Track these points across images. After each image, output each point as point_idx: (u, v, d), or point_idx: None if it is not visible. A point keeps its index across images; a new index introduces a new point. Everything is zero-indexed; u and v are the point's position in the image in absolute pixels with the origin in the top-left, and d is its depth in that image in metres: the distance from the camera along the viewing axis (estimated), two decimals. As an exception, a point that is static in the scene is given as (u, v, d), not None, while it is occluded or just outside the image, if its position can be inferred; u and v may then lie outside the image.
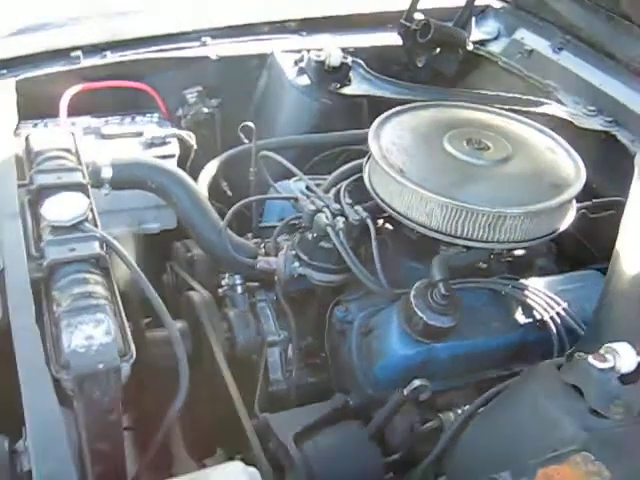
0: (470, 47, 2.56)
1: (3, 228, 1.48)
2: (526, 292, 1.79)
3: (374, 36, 2.59)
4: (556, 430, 1.30)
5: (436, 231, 1.69)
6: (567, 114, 2.19)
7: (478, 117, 2.01)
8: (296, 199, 1.89)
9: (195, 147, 2.21)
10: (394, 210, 1.75)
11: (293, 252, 1.82)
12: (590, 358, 1.34)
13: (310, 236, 1.78)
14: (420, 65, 2.57)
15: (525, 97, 2.30)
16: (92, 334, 1.26)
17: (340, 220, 1.74)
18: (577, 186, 1.76)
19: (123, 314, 1.34)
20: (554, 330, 1.72)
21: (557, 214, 1.75)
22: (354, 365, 1.73)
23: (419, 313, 1.60)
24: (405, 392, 1.55)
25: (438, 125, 1.93)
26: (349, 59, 2.36)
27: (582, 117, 2.18)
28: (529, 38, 2.54)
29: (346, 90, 2.36)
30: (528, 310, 1.77)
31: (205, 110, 2.33)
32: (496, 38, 2.68)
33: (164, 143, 2.15)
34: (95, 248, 1.42)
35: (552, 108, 2.24)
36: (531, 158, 1.85)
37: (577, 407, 1.31)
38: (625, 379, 1.33)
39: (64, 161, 1.69)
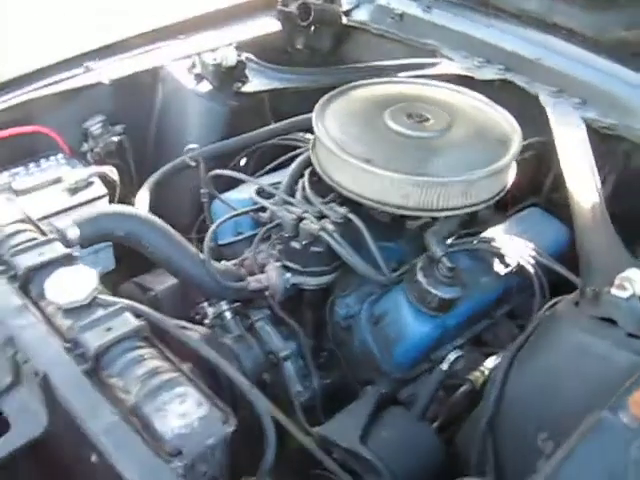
0: (344, 20, 2.62)
1: (13, 326, 1.33)
2: (495, 244, 1.93)
3: (249, 26, 2.55)
4: (608, 361, 1.45)
5: (415, 209, 1.76)
6: (463, 69, 2.33)
7: (404, 90, 2.09)
8: (260, 210, 1.87)
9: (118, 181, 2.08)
10: (368, 199, 1.78)
11: (279, 264, 1.81)
12: (613, 290, 1.50)
13: (298, 244, 1.77)
14: (300, 47, 2.59)
15: (418, 60, 2.40)
16: (184, 411, 1.19)
17: (327, 222, 1.75)
18: (517, 137, 1.90)
19: (194, 377, 1.28)
20: (532, 271, 1.87)
21: (510, 167, 1.89)
22: (374, 355, 1.78)
23: (433, 290, 1.68)
24: (445, 367, 1.63)
25: (374, 105, 1.98)
26: (243, 56, 2.31)
27: (476, 69, 2.32)
28: (395, 2, 2.63)
29: (249, 88, 2.32)
30: (504, 260, 1.91)
31: (114, 139, 2.17)
32: (357, 6, 2.74)
33: (89, 184, 1.99)
34: (131, 320, 1.33)
35: (447, 66, 2.36)
36: (468, 121, 1.96)
37: (617, 336, 1.47)
38: (643, 299, 1.51)
39: (29, 234, 1.54)
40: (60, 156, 2.10)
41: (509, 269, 1.89)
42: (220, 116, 2.28)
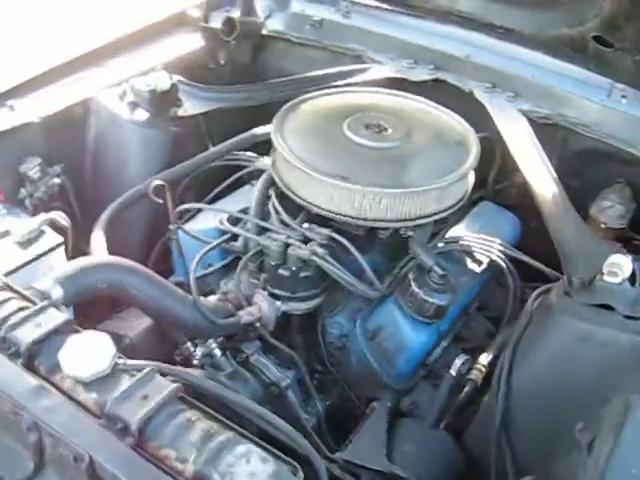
0: (265, 32, 2.58)
1: (36, 409, 1.21)
2: (463, 243, 1.99)
3: (168, 46, 2.44)
4: (612, 345, 1.54)
5: (394, 220, 1.77)
6: (395, 72, 2.36)
7: (355, 100, 2.09)
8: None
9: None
10: (346, 215, 1.77)
11: (266, 293, 1.77)
12: (605, 277, 1.59)
13: (287, 271, 1.74)
14: (222, 62, 2.53)
15: (349, 67, 2.40)
16: (252, 470, 1.14)
17: (314, 245, 1.73)
18: (473, 137, 1.96)
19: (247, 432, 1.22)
20: (503, 264, 1.95)
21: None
22: (374, 370, 1.78)
23: (430, 299, 1.71)
24: (454, 373, 1.67)
25: (330, 118, 1.99)
26: (174, 78, 2.22)
27: (408, 71, 2.36)
28: (311, 9, 2.62)
29: (185, 111, 2.23)
30: (475, 257, 1.97)
31: (56, 181, 2.02)
32: (270, 16, 2.70)
33: (40, 234, 1.84)
34: (165, 384, 1.25)
35: (379, 70, 2.38)
36: (423, 126, 2.00)
37: (616, 320, 1.56)
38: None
39: (15, 302, 1.40)
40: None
41: (483, 266, 1.95)
42: (161, 144, 2.17)
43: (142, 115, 2.16)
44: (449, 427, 1.76)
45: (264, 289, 1.78)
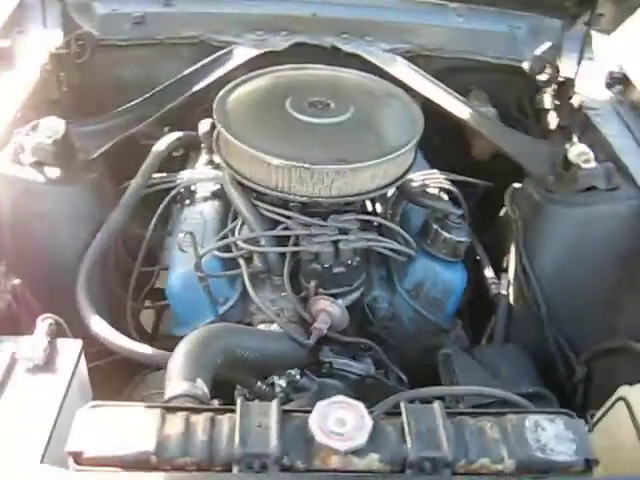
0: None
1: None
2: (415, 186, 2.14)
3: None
4: (611, 217, 1.90)
5: (392, 183, 1.85)
6: (259, 48, 2.30)
7: (289, 79, 2.06)
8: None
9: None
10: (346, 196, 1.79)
11: (326, 297, 1.74)
12: (582, 165, 1.91)
13: (342, 267, 1.74)
14: (66, 89, 2.21)
15: (214, 56, 2.26)
16: (553, 433, 1.24)
17: (356, 231, 1.74)
18: (405, 95, 2.04)
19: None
20: (454, 189, 2.16)
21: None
22: (429, 321, 1.91)
23: (460, 239, 1.87)
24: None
25: (272, 101, 1.94)
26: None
27: (268, 43, 2.32)
28: (123, 6, 2.37)
29: (90, 152, 1.93)
30: (432, 192, 2.15)
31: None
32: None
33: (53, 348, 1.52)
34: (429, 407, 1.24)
35: (245, 51, 2.28)
36: (363, 97, 2.01)
37: (604, 196, 1.89)
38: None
39: (199, 415, 1.22)
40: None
41: (444, 197, 2.14)
42: (86, 195, 1.89)
43: (54, 173, 1.82)
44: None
45: (318, 294, 1.75)
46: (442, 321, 1.93)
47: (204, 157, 2.18)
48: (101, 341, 1.69)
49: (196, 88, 2.15)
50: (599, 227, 1.90)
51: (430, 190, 2.13)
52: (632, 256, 1.86)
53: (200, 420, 1.21)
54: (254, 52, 2.28)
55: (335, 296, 1.76)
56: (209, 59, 2.25)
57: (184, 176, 2.09)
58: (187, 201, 2.05)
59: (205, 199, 2.04)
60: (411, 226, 1.97)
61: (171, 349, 1.80)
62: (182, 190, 2.05)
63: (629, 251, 1.87)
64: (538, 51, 2.32)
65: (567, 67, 2.27)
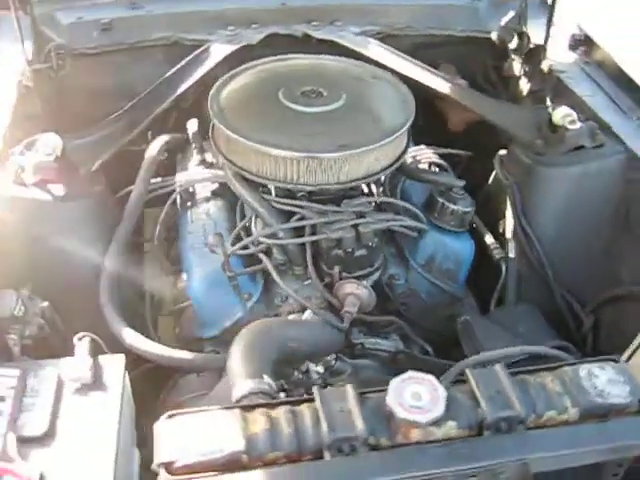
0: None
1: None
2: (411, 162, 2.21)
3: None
4: (604, 172, 2.00)
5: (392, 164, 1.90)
6: (234, 43, 2.29)
7: (278, 71, 2.08)
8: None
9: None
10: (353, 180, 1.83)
11: (353, 280, 1.78)
12: (569, 126, 2.00)
13: (364, 249, 1.78)
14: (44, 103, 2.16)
15: (191, 57, 2.25)
16: (607, 379, 1.32)
17: (373, 214, 1.79)
18: (393, 78, 2.09)
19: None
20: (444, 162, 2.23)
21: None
22: (444, 292, 1.98)
23: (466, 209, 1.94)
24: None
25: (266, 93, 1.96)
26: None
27: (242, 38, 2.31)
28: (86, 14, 2.32)
29: (87, 164, 1.92)
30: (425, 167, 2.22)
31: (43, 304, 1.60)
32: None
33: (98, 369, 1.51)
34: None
35: (223, 47, 2.26)
36: (352, 83, 2.05)
37: (592, 154, 1.99)
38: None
39: (280, 409, 1.25)
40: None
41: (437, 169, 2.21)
42: (95, 208, 1.88)
43: (60, 190, 1.79)
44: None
45: (341, 279, 1.79)
46: (456, 290, 2.00)
47: (196, 157, 2.17)
48: (137, 352, 1.68)
49: (180, 90, 2.14)
50: (591, 183, 2.00)
51: (422, 165, 2.20)
52: (624, 206, 1.97)
53: (281, 413, 1.24)
54: (230, 48, 2.27)
55: (358, 278, 1.81)
56: (187, 59, 2.23)
57: (181, 179, 2.08)
58: (188, 203, 2.05)
59: (207, 199, 2.04)
60: (412, 202, 2.02)
61: (200, 351, 1.83)
62: (181, 193, 2.05)
63: (621, 202, 1.98)
64: (503, 21, 2.40)
65: (533, 33, 2.36)
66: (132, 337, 1.69)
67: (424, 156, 2.20)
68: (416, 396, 1.24)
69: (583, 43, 2.37)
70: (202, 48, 2.27)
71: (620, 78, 2.20)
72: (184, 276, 1.96)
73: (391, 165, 1.89)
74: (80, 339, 1.56)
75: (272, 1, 2.42)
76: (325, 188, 1.81)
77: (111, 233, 1.88)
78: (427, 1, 2.53)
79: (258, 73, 2.09)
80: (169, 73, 2.19)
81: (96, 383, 1.48)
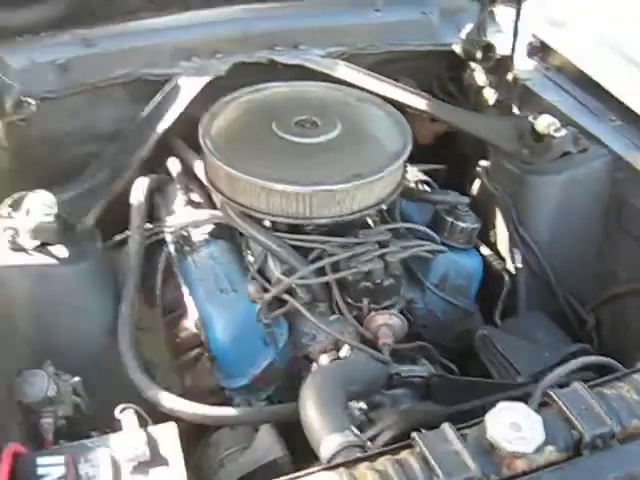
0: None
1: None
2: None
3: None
4: (590, 177, 2.08)
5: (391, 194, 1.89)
6: (203, 76, 2.20)
7: (261, 104, 2.03)
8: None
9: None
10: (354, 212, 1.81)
11: (383, 311, 1.76)
12: (555, 134, 2.06)
13: (392, 279, 1.77)
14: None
15: (162, 93, 2.15)
16: None
17: (396, 242, 1.78)
18: (388, 107, 2.08)
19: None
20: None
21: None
22: (459, 309, 2.00)
23: (473, 226, 1.97)
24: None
25: (257, 131, 1.93)
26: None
27: (212, 69, 2.22)
28: (38, 56, 2.15)
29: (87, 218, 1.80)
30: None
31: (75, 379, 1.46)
32: None
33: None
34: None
35: (194, 80, 2.16)
36: (341, 108, 2.04)
37: (578, 159, 2.07)
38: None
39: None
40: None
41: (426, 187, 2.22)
42: (107, 265, 1.75)
43: (62, 251, 1.66)
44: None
45: (373, 310, 1.75)
46: (469, 306, 2.02)
47: (181, 198, 2.07)
48: (180, 416, 1.58)
49: (160, 130, 2.03)
50: (580, 187, 2.08)
51: (412, 185, 2.20)
52: (615, 206, 2.06)
53: (387, 465, 1.19)
54: (202, 81, 2.18)
55: (386, 308, 1.78)
56: (159, 97, 2.13)
57: (175, 222, 1.97)
58: (187, 248, 1.95)
59: (207, 242, 1.95)
60: (416, 223, 2.02)
61: (221, 403, 1.75)
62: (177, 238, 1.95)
63: (611, 202, 2.07)
64: (463, 33, 2.44)
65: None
66: (171, 400, 1.59)
67: (411, 175, 2.20)
68: (515, 426, 1.23)
69: (540, 50, 2.45)
70: (172, 84, 2.17)
71: (582, 82, 2.29)
72: (187, 324, 1.88)
73: (396, 189, 1.89)
74: (122, 411, 1.45)
75: (232, 29, 2.34)
76: (339, 220, 1.78)
77: (116, 287, 1.77)
78: (382, 18, 2.53)
79: (242, 106, 2.03)
80: (145, 113, 2.08)
81: (154, 459, 1.39)
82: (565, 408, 1.28)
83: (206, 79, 2.18)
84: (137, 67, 2.22)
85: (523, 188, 2.09)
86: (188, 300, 1.87)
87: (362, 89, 2.21)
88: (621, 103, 2.15)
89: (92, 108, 2.20)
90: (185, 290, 1.87)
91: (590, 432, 1.24)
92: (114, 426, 1.60)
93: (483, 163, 2.23)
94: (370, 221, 1.94)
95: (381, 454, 1.23)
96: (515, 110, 2.39)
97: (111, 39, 2.24)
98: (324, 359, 1.70)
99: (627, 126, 2.12)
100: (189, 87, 2.16)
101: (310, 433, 1.36)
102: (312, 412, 1.38)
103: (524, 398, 1.64)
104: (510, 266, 2.10)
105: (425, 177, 2.21)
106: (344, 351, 1.68)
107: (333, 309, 1.79)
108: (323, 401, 1.40)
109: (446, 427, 1.24)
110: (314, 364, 1.72)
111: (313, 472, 1.19)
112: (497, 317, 2.09)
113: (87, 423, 1.55)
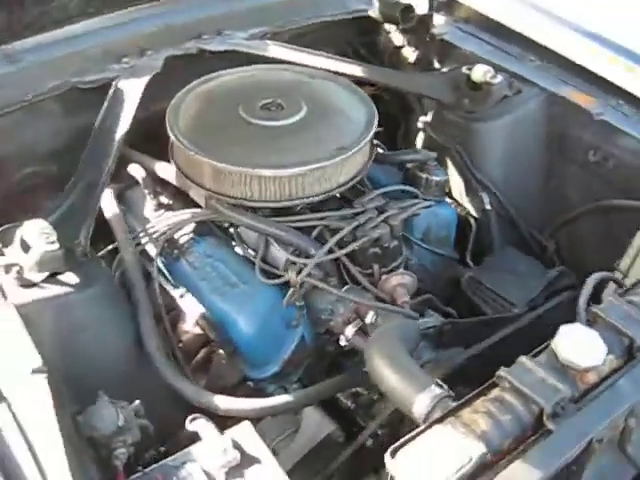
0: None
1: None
2: None
3: None
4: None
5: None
6: (139, 74, 2.12)
7: (234, 83, 2.05)
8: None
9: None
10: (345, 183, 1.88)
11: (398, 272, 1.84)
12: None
13: (397, 240, 1.85)
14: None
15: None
16: None
17: (394, 203, 1.87)
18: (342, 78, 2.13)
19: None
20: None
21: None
22: (443, 257, 2.12)
23: (446, 177, 2.10)
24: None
25: (225, 119, 1.93)
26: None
27: (153, 61, 2.17)
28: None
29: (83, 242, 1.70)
30: None
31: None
32: None
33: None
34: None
35: (143, 69, 2.11)
36: (300, 87, 2.07)
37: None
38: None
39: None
40: None
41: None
42: (115, 284, 1.68)
43: (72, 278, 1.57)
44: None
45: (389, 271, 1.83)
46: (451, 253, 2.14)
47: (150, 203, 2.01)
48: (227, 414, 1.57)
49: (118, 138, 1.94)
50: (522, 127, 2.24)
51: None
52: (556, 138, 2.24)
53: (487, 406, 1.27)
54: (142, 82, 2.09)
55: (393, 270, 1.85)
56: (105, 105, 2.03)
57: (158, 228, 1.92)
58: (175, 251, 1.90)
59: (194, 241, 1.92)
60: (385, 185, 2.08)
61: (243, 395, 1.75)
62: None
63: (552, 135, 2.25)
64: (376, -1, 2.52)
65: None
66: (220, 400, 1.58)
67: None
68: (580, 344, 1.35)
69: (446, 5, 2.58)
70: (112, 90, 2.08)
71: (493, 29, 2.46)
72: (186, 327, 1.85)
73: (371, 156, 1.95)
74: (192, 421, 1.43)
75: (155, 24, 2.27)
76: (330, 194, 1.83)
77: (124, 303, 1.72)
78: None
79: (202, 97, 2.00)
80: (96, 124, 1.98)
81: (244, 461, 1.38)
82: (612, 319, 1.42)
83: (146, 78, 2.10)
84: (68, 76, 2.10)
85: (470, 136, 2.23)
86: (183, 302, 1.83)
87: (298, 65, 2.24)
88: (537, 44, 2.33)
89: (26, 127, 2.06)
90: (176, 293, 1.83)
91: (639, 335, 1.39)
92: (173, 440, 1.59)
93: (423, 118, 2.34)
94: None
95: (473, 398, 1.31)
96: (436, 65, 2.52)
97: (35, 51, 2.10)
98: (350, 330, 1.74)
99: (548, 65, 2.31)
100: (131, 89, 2.07)
101: (396, 397, 1.40)
102: (393, 377, 1.42)
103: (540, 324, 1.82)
104: (473, 210, 2.24)
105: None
106: (369, 317, 1.73)
107: (344, 281, 1.83)
108: (398, 363, 1.45)
109: (523, 359, 1.34)
110: (341, 336, 1.75)
111: (424, 430, 1.24)
112: (469, 259, 2.22)
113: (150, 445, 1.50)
